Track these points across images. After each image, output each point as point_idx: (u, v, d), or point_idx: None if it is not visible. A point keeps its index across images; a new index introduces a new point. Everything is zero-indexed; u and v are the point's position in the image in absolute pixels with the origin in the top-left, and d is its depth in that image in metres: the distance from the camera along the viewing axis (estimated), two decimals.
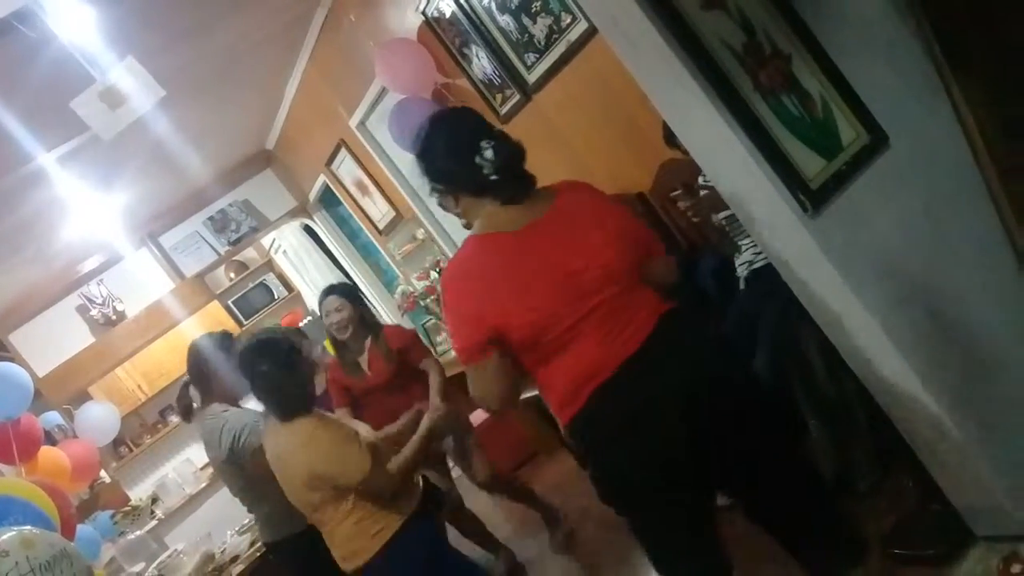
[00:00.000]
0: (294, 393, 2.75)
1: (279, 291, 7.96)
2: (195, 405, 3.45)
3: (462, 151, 1.99)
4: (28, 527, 2.33)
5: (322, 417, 2.81)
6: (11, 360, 6.09)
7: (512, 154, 2.01)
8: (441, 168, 2.04)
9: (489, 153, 1.96)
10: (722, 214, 3.01)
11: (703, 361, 1.95)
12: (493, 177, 1.97)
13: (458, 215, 2.09)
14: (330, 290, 4.18)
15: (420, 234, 6.15)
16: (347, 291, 4.23)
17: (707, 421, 1.87)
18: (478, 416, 5.58)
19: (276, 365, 2.72)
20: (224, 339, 3.51)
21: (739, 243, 3.12)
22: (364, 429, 2.90)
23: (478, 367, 1.97)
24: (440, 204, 2.13)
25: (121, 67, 3.39)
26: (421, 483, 2.99)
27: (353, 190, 6.59)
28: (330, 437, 2.71)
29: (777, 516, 2.05)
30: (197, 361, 3.43)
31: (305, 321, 7.72)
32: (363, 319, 4.11)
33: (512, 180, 2.00)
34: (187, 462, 7.19)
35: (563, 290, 1.91)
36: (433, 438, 3.08)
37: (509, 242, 1.96)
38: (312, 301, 8.17)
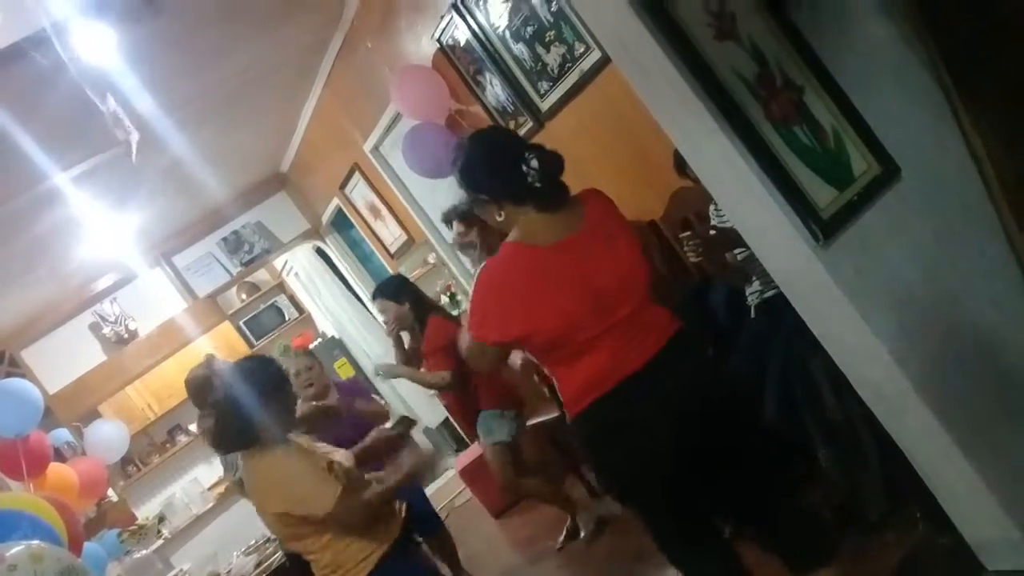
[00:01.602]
0: (241, 432, 2.64)
1: (290, 312, 7.99)
2: None
3: (508, 162, 2.17)
4: (36, 541, 2.34)
5: (291, 449, 2.68)
6: (23, 376, 6.13)
7: (554, 163, 2.19)
8: (488, 179, 2.21)
9: (535, 163, 2.14)
10: (739, 254, 3.02)
11: (698, 381, 2.22)
12: (537, 185, 2.15)
13: (498, 223, 2.24)
14: (373, 294, 4.31)
15: (431, 259, 6.17)
16: (385, 290, 4.29)
17: (693, 433, 2.15)
18: (477, 449, 5.57)
19: (225, 406, 2.64)
20: (214, 360, 3.72)
21: (750, 274, 3.12)
22: (340, 455, 2.82)
23: (483, 348, 2.22)
24: (477, 214, 2.33)
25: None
26: (403, 512, 2.89)
27: (366, 214, 6.63)
28: (296, 472, 2.59)
29: (751, 519, 2.39)
30: (198, 385, 3.60)
31: (315, 343, 7.74)
32: (415, 311, 4.15)
33: (551, 189, 2.19)
34: (194, 482, 7.20)
35: (591, 303, 2.12)
36: (412, 479, 2.98)
37: (546, 255, 2.15)
38: (323, 323, 8.19)
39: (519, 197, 2.17)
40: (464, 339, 2.30)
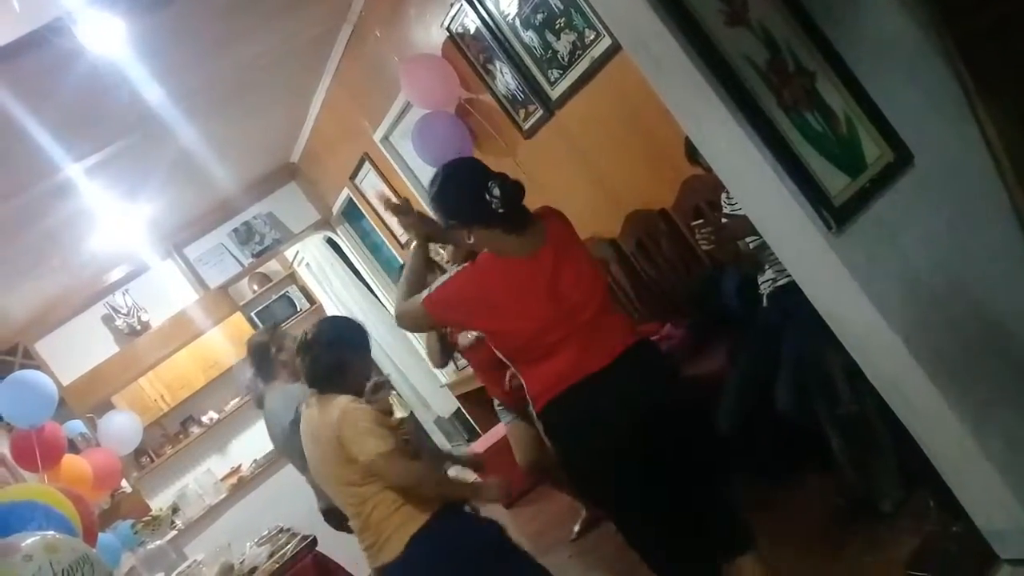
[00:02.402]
0: (334, 368, 2.87)
1: (302, 303, 8.01)
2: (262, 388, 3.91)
3: (474, 190, 2.37)
4: (51, 532, 2.35)
5: (361, 401, 2.90)
6: (37, 368, 6.16)
7: (514, 190, 2.39)
8: (457, 206, 2.42)
9: (496, 191, 2.34)
10: (751, 242, 3.01)
11: (650, 388, 2.38)
12: (500, 210, 2.34)
13: (469, 246, 2.45)
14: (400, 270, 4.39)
15: (442, 249, 6.16)
16: None
17: (648, 437, 2.31)
18: (489, 439, 5.57)
19: (327, 342, 2.91)
20: (275, 328, 4.09)
21: (762, 262, 3.11)
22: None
23: (425, 316, 2.46)
24: (451, 240, 2.60)
25: None
26: None
27: (376, 203, 6.63)
28: (362, 413, 2.77)
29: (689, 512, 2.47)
30: (258, 350, 3.90)
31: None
32: None
33: (514, 212, 2.38)
34: (208, 473, 7.23)
35: (558, 309, 2.34)
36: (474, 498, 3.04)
37: (519, 266, 2.37)
38: (334, 314, 8.20)
39: (486, 221, 2.37)
40: (414, 301, 2.49)
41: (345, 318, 3.25)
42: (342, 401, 2.80)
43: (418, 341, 4.63)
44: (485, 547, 2.81)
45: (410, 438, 2.99)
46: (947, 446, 2.21)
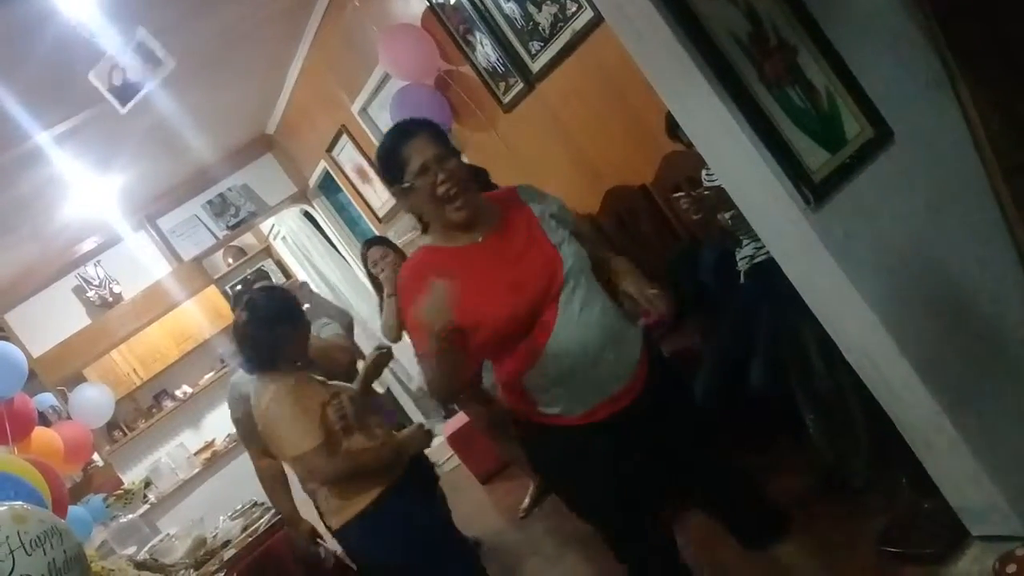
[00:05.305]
0: (267, 346, 2.77)
1: (277, 277, 7.94)
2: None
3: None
4: (20, 503, 2.31)
5: (297, 381, 2.76)
6: (6, 339, 6.07)
7: None
8: None
9: None
10: (728, 213, 3.00)
11: None
12: None
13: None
14: (371, 242, 4.24)
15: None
16: (383, 240, 4.29)
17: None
18: (461, 419, 5.57)
19: (257, 319, 2.78)
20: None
21: (741, 237, 3.10)
22: (347, 393, 2.85)
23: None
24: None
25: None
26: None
27: (353, 177, 6.57)
28: (290, 402, 2.68)
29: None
30: None
31: (303, 308, 7.67)
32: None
33: None
34: (181, 447, 7.19)
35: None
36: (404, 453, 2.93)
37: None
38: (311, 287, 8.13)
39: None
40: None
41: (276, 289, 3.15)
42: (271, 389, 2.73)
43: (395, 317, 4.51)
44: (418, 534, 2.80)
45: (346, 413, 2.75)
46: (920, 422, 2.22)
